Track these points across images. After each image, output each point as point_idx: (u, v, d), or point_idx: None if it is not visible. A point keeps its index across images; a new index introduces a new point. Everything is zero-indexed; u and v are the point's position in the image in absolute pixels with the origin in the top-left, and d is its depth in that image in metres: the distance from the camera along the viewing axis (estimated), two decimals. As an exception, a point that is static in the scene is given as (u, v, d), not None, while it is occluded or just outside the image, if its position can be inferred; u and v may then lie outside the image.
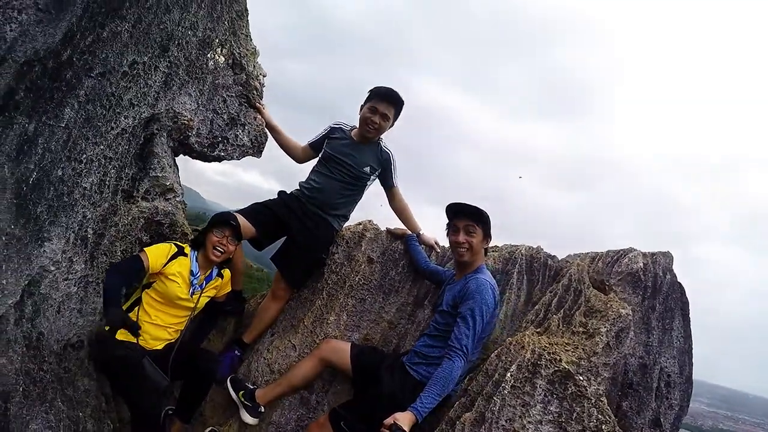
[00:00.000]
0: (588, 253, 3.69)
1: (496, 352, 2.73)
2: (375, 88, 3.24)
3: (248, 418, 2.70)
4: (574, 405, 2.52)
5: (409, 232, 3.39)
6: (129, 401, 2.39)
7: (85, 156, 2.24)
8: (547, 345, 2.71)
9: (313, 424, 2.61)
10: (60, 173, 2.14)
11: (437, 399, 2.37)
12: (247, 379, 2.94)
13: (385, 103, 3.18)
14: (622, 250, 3.50)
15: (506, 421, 2.43)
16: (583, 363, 2.69)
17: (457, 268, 2.90)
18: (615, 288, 3.27)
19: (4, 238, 1.97)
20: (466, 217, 2.77)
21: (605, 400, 2.55)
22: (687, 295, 3.30)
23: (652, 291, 3.21)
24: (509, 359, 2.67)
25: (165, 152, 2.82)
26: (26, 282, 2.08)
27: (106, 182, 2.43)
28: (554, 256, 3.64)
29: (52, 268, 2.19)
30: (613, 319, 2.93)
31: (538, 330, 3.03)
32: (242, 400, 2.73)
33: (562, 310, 3.13)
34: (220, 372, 2.89)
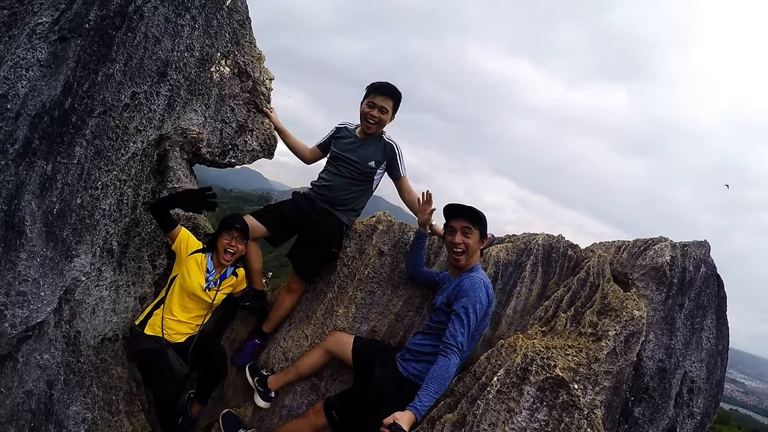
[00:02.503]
0: (614, 242, 3.42)
1: (485, 354, 2.73)
2: (372, 83, 3.26)
3: (260, 402, 3.04)
4: (563, 415, 2.47)
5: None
6: (153, 388, 2.82)
7: (100, 183, 2.58)
8: (542, 349, 2.64)
9: (310, 410, 2.87)
10: (79, 201, 2.51)
11: (435, 396, 2.38)
12: (265, 366, 3.28)
13: (381, 96, 3.23)
14: (651, 239, 3.20)
15: (488, 426, 2.46)
16: (581, 370, 2.59)
17: (452, 267, 2.90)
18: (637, 283, 3.03)
19: (38, 260, 2.39)
20: (463, 219, 2.77)
21: (599, 413, 2.46)
22: (725, 289, 2.94)
23: (679, 287, 2.91)
24: (498, 362, 2.66)
25: (179, 165, 3.11)
26: (62, 291, 2.52)
27: (124, 201, 2.77)
28: (576, 245, 3.43)
29: (83, 279, 2.61)
30: (625, 321, 2.74)
31: (543, 329, 2.94)
32: (256, 385, 3.08)
33: (573, 308, 2.99)
34: (241, 359, 3.27)
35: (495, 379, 2.56)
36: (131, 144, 2.70)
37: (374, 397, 2.65)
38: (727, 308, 2.95)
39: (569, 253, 3.35)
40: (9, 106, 2.29)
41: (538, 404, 2.49)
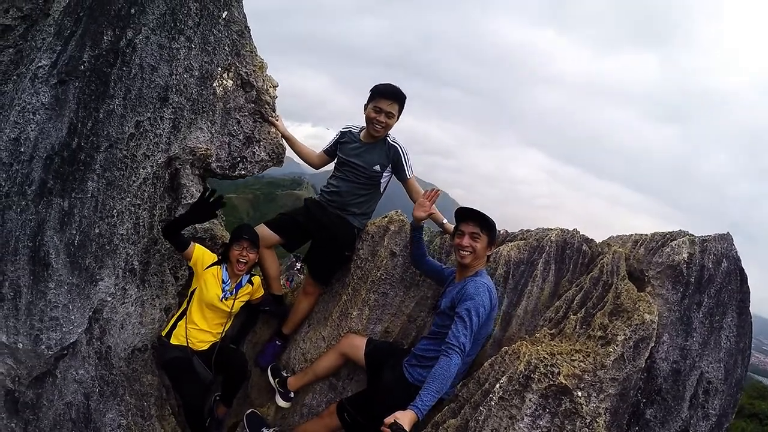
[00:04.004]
0: (631, 235, 3.29)
1: (489, 360, 2.76)
2: (375, 87, 3.23)
3: (281, 402, 3.25)
4: (565, 422, 2.50)
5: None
6: (181, 394, 3.08)
7: (115, 211, 2.74)
8: (547, 356, 2.64)
9: (325, 412, 3.04)
10: (97, 231, 2.68)
11: (437, 396, 2.41)
12: (286, 366, 3.46)
13: (387, 100, 3.19)
14: (669, 233, 3.05)
15: (490, 431, 2.53)
16: (586, 377, 2.58)
17: (457, 269, 2.92)
18: (653, 282, 2.92)
19: (66, 287, 2.61)
20: (473, 224, 2.79)
21: (601, 421, 2.46)
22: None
23: (697, 286, 2.79)
24: (502, 369, 2.69)
25: (192, 181, 3.23)
26: (90, 312, 2.75)
27: (141, 223, 2.94)
28: (591, 239, 3.33)
29: (109, 299, 2.83)
30: (636, 325, 2.68)
31: (552, 332, 2.92)
32: (277, 386, 3.28)
33: (584, 309, 2.94)
34: (263, 360, 3.47)
35: (497, 386, 2.61)
36: (141, 170, 2.83)
37: (383, 400, 2.76)
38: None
39: (584, 248, 3.26)
40: (22, 149, 2.46)
41: (540, 411, 2.52)
